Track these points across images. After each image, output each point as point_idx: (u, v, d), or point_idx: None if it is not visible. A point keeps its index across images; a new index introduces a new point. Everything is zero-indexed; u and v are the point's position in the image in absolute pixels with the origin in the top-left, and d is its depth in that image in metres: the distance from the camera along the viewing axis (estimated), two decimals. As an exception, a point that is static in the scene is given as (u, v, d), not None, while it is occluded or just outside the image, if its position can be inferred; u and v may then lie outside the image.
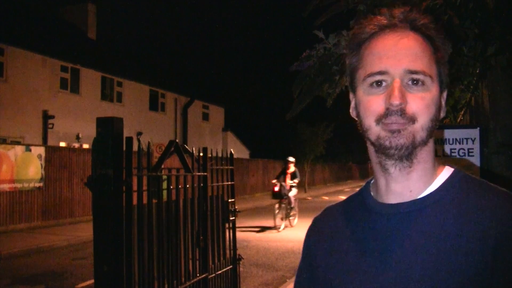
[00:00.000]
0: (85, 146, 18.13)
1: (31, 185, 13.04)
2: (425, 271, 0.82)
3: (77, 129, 18.94)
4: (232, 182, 4.65)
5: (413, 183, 0.91)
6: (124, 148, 2.91)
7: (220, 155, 4.45)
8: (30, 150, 13.13)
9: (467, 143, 3.14)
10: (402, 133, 0.87)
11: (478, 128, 3.16)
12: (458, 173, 0.92)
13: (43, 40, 18.45)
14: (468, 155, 3.13)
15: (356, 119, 0.97)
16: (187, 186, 3.78)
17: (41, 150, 13.51)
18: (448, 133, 3.19)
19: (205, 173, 4.08)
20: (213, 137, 28.79)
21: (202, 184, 4.04)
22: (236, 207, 4.69)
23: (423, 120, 0.87)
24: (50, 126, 17.79)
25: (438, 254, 0.82)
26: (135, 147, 3.12)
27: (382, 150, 0.89)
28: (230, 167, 4.63)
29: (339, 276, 0.94)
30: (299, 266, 1.07)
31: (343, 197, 1.27)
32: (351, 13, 3.07)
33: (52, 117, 17.77)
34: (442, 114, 0.93)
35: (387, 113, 0.87)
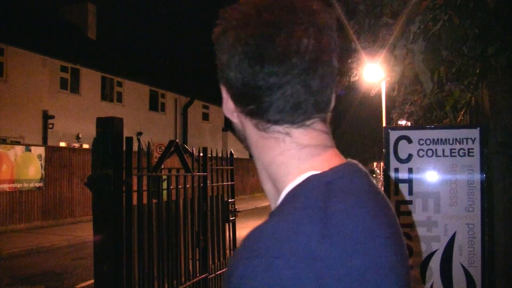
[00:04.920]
0: (85, 146, 18.13)
1: (31, 185, 13.03)
2: None
3: (77, 129, 18.93)
4: (232, 182, 4.65)
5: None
6: (124, 148, 2.90)
7: (220, 155, 4.45)
8: (30, 150, 13.13)
9: (467, 143, 3.14)
10: None
11: (478, 128, 3.16)
12: (293, 191, 0.68)
13: (43, 40, 18.44)
14: (468, 155, 3.13)
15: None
16: (187, 186, 3.78)
17: (41, 150, 13.51)
18: (448, 133, 3.19)
19: (205, 173, 4.08)
20: (213, 137, 28.78)
21: (202, 184, 4.04)
22: (236, 207, 4.69)
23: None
24: (50, 126, 17.79)
25: None
26: (135, 147, 3.12)
27: None
28: (230, 167, 4.63)
29: None
30: None
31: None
32: (351, 13, 3.07)
33: (52, 117, 17.77)
34: (235, 118, 0.76)
35: None
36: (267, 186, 0.74)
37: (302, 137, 0.70)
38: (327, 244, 0.59)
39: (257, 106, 0.68)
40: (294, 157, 0.69)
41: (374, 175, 29.41)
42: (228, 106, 0.75)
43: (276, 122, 0.69)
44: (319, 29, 0.67)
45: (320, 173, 0.67)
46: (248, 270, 0.58)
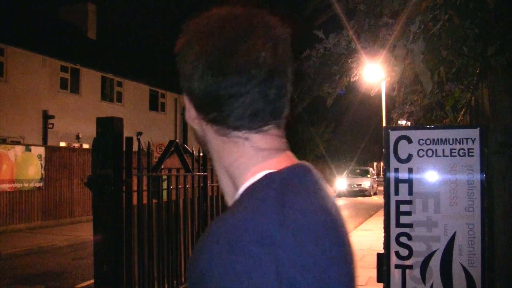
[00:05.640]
0: (85, 146, 18.14)
1: (31, 185, 13.03)
2: None
3: (77, 129, 18.94)
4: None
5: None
6: (124, 148, 2.91)
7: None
8: (30, 150, 13.13)
9: (467, 143, 3.14)
10: None
11: (478, 128, 3.16)
12: (252, 186, 0.73)
13: (43, 40, 18.45)
14: (468, 155, 3.13)
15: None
16: (187, 186, 3.78)
17: (41, 150, 13.51)
18: (448, 133, 3.19)
19: (205, 173, 4.08)
20: (213, 137, 28.77)
21: (202, 184, 4.04)
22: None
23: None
24: (50, 126, 17.80)
25: None
26: (135, 147, 3.12)
27: None
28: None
29: None
30: None
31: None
32: (351, 13, 3.07)
33: (52, 117, 17.77)
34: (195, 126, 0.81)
35: None
36: (226, 184, 0.80)
37: (260, 141, 0.75)
38: (284, 232, 0.65)
39: (218, 114, 0.74)
40: (252, 158, 0.75)
41: (369, 175, 29.08)
42: (190, 114, 0.80)
43: (236, 128, 0.74)
44: (276, 43, 0.74)
45: (276, 171, 0.73)
46: (212, 255, 0.64)
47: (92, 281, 2.92)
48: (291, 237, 0.65)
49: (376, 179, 33.15)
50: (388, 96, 13.89)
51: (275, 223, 0.65)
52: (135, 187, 3.04)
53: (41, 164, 13.36)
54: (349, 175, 29.21)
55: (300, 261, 0.65)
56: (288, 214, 0.67)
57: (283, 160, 0.76)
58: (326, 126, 33.31)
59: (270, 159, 0.75)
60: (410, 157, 3.21)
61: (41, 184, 13.34)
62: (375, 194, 28.77)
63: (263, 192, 0.70)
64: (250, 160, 0.75)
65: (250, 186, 0.73)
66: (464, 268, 3.08)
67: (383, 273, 3.23)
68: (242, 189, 0.74)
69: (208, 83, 0.72)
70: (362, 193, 27.28)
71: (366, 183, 27.76)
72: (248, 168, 0.75)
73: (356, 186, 27.48)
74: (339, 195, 26.59)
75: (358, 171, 30.17)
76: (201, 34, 0.74)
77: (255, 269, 0.62)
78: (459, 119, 4.48)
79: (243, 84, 0.71)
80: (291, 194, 0.70)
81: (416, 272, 3.14)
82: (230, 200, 0.78)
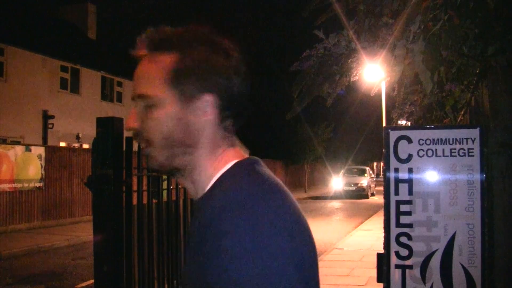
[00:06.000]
0: (85, 146, 18.14)
1: (31, 185, 13.04)
2: (186, 273, 0.88)
3: (77, 129, 18.94)
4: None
5: (194, 186, 0.94)
6: (124, 148, 2.91)
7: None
8: (30, 150, 13.13)
9: (467, 143, 3.14)
10: (149, 158, 0.92)
11: (478, 128, 3.16)
12: (234, 167, 0.90)
13: (43, 40, 18.45)
14: (468, 155, 3.13)
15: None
16: (187, 186, 3.78)
17: (41, 150, 13.51)
18: (448, 133, 3.19)
19: (205, 173, 4.07)
20: (213, 137, 28.74)
21: (202, 184, 4.04)
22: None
23: (158, 141, 0.89)
24: (50, 126, 17.80)
25: (189, 254, 0.88)
26: (135, 147, 3.12)
27: None
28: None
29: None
30: None
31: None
32: (351, 13, 3.07)
33: (52, 117, 17.78)
34: (200, 124, 0.91)
35: (133, 136, 0.94)
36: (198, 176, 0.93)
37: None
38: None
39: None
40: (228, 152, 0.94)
41: (366, 175, 28.32)
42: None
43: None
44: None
45: (243, 160, 0.92)
46: (239, 224, 0.76)
47: (92, 281, 2.92)
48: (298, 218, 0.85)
49: (374, 179, 32.72)
50: (388, 96, 13.89)
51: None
52: (135, 187, 3.04)
53: (41, 164, 13.36)
54: (345, 174, 28.57)
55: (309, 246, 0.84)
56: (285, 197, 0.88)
57: (242, 153, 0.96)
58: (326, 126, 33.29)
59: (236, 152, 0.95)
60: (410, 157, 3.21)
61: (41, 184, 13.34)
62: (372, 195, 27.97)
63: (249, 176, 0.88)
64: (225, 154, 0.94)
65: (226, 172, 0.90)
66: (464, 268, 3.08)
67: (383, 273, 3.23)
68: (217, 176, 0.90)
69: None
70: (359, 193, 26.34)
71: (363, 182, 26.92)
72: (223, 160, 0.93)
73: (352, 185, 26.72)
74: (335, 196, 26.11)
75: (355, 170, 29.47)
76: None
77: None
78: (459, 119, 4.48)
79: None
80: (268, 178, 0.88)
81: (416, 272, 3.14)
82: (199, 187, 0.92)
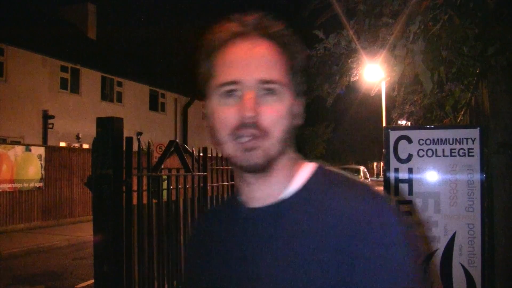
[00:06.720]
0: (85, 146, 18.14)
1: (31, 185, 13.04)
2: (289, 275, 0.81)
3: (77, 129, 18.94)
4: (232, 182, 4.64)
5: (273, 187, 0.90)
6: (124, 148, 2.90)
7: (220, 155, 4.44)
8: (30, 150, 13.13)
9: (467, 143, 3.14)
10: (256, 151, 0.84)
11: (478, 128, 3.16)
12: (319, 169, 0.92)
13: (43, 40, 18.43)
14: (468, 155, 3.13)
15: (209, 127, 0.92)
16: (187, 186, 3.78)
17: (41, 150, 13.51)
18: (448, 133, 3.19)
19: (205, 173, 4.08)
20: (213, 137, 28.73)
21: (202, 184, 4.04)
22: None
23: (277, 133, 0.85)
24: (50, 126, 17.79)
25: (297, 255, 0.81)
26: (135, 147, 3.12)
27: (238, 167, 0.88)
28: (230, 167, 4.63)
29: (211, 285, 0.92)
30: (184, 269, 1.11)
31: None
32: (351, 13, 3.07)
33: (52, 117, 17.77)
34: (300, 121, 0.93)
35: (241, 125, 0.84)
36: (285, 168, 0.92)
37: None
38: None
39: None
40: None
41: (360, 175, 28.40)
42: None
43: None
44: None
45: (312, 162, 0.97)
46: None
47: (92, 281, 2.92)
48: None
49: (370, 179, 32.35)
50: (388, 96, 13.88)
51: None
52: (135, 187, 3.04)
53: (41, 164, 13.36)
54: None
55: None
56: None
57: None
58: (326, 126, 33.29)
59: None
60: (410, 157, 3.21)
61: (41, 184, 13.34)
62: None
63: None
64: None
65: (322, 171, 0.94)
66: (464, 268, 3.08)
67: (383, 273, 3.23)
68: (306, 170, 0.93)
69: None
70: None
71: None
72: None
73: None
74: None
75: (348, 170, 29.10)
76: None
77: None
78: (459, 119, 4.48)
79: None
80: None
81: (416, 272, 3.14)
82: (278, 180, 0.91)
